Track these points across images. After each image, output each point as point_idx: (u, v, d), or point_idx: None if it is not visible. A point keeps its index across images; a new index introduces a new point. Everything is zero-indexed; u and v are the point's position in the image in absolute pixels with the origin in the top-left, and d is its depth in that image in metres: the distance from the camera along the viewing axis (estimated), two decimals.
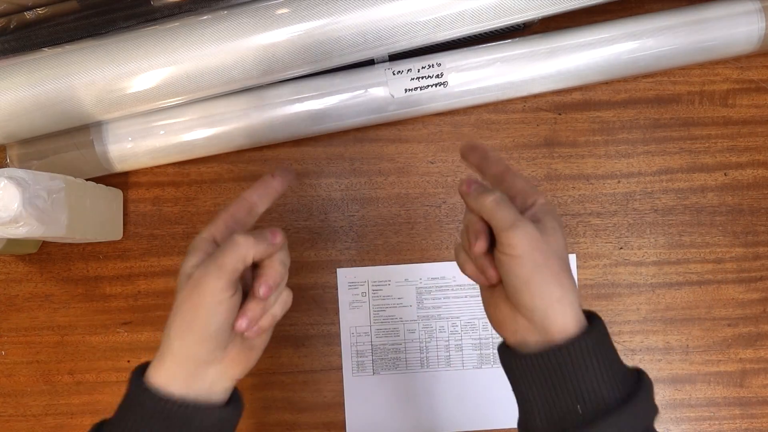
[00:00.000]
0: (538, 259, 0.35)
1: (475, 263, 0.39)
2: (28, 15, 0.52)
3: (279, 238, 0.38)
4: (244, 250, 0.36)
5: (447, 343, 0.60)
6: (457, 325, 0.60)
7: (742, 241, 0.63)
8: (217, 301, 0.36)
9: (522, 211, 0.38)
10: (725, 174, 0.63)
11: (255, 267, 0.39)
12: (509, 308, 0.37)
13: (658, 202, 0.63)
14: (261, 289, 0.37)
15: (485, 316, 0.40)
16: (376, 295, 0.60)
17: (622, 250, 0.63)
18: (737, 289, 0.63)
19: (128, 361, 0.61)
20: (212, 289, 0.36)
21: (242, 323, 0.37)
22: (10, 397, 0.61)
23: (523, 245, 0.35)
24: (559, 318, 0.35)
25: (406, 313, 0.61)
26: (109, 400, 0.61)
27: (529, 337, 0.36)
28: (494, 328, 0.39)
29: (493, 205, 0.36)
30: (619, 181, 0.63)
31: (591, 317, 0.37)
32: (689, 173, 0.63)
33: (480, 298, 0.41)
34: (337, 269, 0.61)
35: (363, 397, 0.60)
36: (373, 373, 0.60)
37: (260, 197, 0.41)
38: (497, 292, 0.38)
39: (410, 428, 0.60)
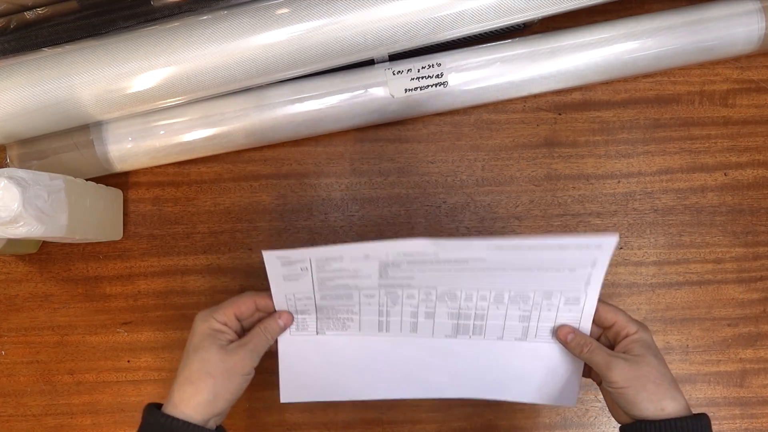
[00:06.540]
0: (636, 385, 0.45)
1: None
2: (28, 15, 0.51)
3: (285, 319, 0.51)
4: (272, 336, 0.50)
5: (415, 309, 0.51)
6: (432, 294, 0.50)
7: (742, 241, 0.63)
8: (247, 374, 0.48)
9: (616, 340, 0.48)
10: (725, 174, 0.63)
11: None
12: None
13: (658, 202, 0.63)
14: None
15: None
16: (322, 269, 0.49)
17: (622, 250, 0.63)
18: (737, 289, 0.63)
19: (128, 361, 0.61)
20: (244, 366, 0.47)
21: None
22: (10, 397, 0.61)
23: (620, 380, 0.45)
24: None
25: (364, 283, 0.50)
26: (109, 400, 0.61)
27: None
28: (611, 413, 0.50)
29: (588, 355, 0.48)
30: (619, 181, 0.63)
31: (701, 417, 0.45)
32: (689, 173, 0.63)
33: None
34: (263, 251, 0.48)
35: (302, 358, 0.53)
36: (317, 333, 0.52)
37: (263, 306, 0.51)
38: (609, 396, 0.48)
39: (357, 392, 0.54)
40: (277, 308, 0.51)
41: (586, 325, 0.50)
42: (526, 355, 0.52)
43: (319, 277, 0.49)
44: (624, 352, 0.47)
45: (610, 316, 0.49)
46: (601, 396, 0.55)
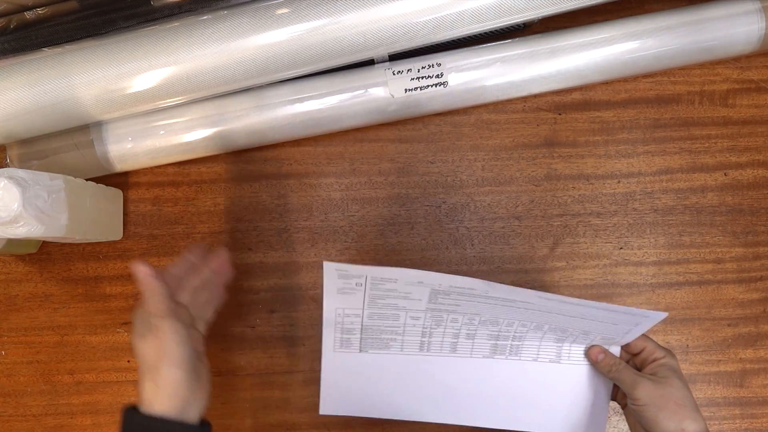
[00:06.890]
0: (659, 404, 0.47)
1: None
2: (28, 15, 0.52)
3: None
4: (151, 292, 0.46)
5: (457, 331, 0.53)
6: (475, 320, 0.52)
7: (742, 241, 0.63)
8: (177, 343, 0.45)
9: (643, 365, 0.51)
10: (725, 174, 0.63)
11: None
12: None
13: (658, 202, 0.63)
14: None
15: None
16: (376, 287, 0.49)
17: (622, 250, 0.63)
18: (737, 289, 0.63)
19: (128, 361, 0.61)
20: (165, 340, 0.44)
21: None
22: (10, 397, 0.61)
23: (643, 397, 0.48)
24: None
25: (412, 305, 0.51)
26: (109, 400, 0.61)
27: None
28: None
29: (615, 374, 0.51)
30: (619, 181, 0.63)
31: None
32: (689, 173, 0.63)
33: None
34: (324, 262, 0.48)
35: (343, 374, 0.54)
36: (360, 351, 0.54)
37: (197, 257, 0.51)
38: (632, 418, 0.51)
39: (392, 412, 0.56)
40: (325, 319, 0.51)
41: (615, 350, 0.53)
42: (559, 378, 0.54)
43: (371, 294, 0.50)
44: (651, 375, 0.49)
45: (639, 343, 0.52)
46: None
